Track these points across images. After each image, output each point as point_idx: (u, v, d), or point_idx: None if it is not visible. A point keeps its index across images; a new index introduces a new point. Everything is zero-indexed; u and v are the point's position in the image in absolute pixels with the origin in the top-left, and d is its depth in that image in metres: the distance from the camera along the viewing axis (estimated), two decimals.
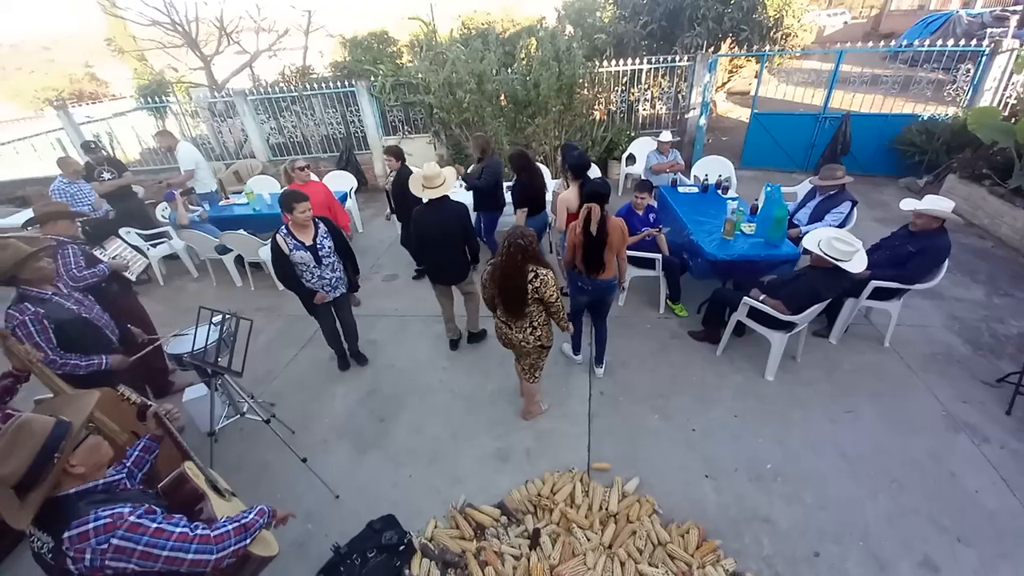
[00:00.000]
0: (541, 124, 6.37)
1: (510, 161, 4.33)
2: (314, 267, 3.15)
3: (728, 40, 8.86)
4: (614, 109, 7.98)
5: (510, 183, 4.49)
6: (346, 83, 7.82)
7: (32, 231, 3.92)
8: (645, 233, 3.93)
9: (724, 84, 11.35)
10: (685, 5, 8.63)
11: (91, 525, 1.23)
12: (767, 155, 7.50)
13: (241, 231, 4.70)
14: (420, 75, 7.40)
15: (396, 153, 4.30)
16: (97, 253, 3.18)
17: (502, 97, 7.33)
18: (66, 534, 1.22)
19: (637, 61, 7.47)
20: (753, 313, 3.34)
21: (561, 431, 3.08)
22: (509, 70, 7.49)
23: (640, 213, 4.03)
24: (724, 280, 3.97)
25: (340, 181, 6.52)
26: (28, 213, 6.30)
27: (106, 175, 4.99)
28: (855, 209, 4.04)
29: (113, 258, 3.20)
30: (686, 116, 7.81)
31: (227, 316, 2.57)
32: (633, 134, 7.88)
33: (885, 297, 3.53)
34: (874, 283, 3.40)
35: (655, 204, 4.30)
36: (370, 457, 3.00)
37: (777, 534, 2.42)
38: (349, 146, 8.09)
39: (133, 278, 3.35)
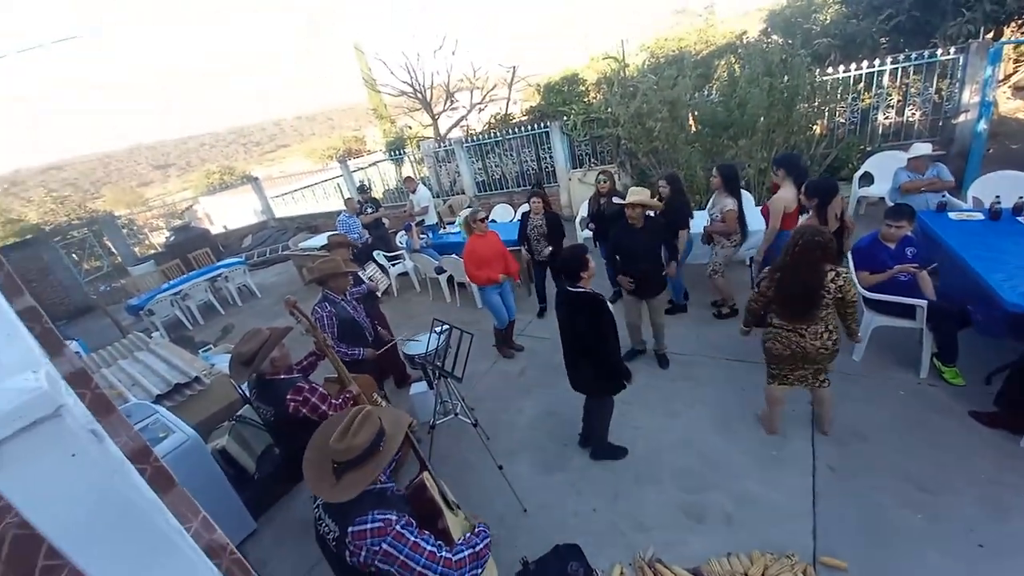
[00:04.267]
0: (745, 146, 5.79)
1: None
2: None
3: (1014, 23, 6.66)
4: (842, 121, 6.74)
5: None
6: (540, 124, 8.60)
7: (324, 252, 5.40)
8: (898, 270, 3.14)
9: (1008, 77, 8.53)
10: None
11: (368, 526, 1.42)
12: None
13: (454, 256, 5.54)
14: (609, 110, 7.63)
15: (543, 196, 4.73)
16: (360, 274, 4.18)
17: (691, 121, 6.97)
18: (350, 528, 1.43)
19: (876, 62, 6.20)
20: None
21: (772, 503, 2.61)
22: (706, 92, 7.09)
23: (891, 246, 3.24)
24: None
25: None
26: (319, 237, 8.74)
27: (368, 209, 6.60)
28: None
29: (369, 278, 4.16)
30: (953, 121, 6.06)
31: (451, 328, 3.02)
32: (868, 148, 6.53)
33: None
34: None
35: (912, 235, 3.39)
36: (554, 478, 3.07)
37: None
38: (539, 180, 8.81)
39: (379, 295, 4.28)
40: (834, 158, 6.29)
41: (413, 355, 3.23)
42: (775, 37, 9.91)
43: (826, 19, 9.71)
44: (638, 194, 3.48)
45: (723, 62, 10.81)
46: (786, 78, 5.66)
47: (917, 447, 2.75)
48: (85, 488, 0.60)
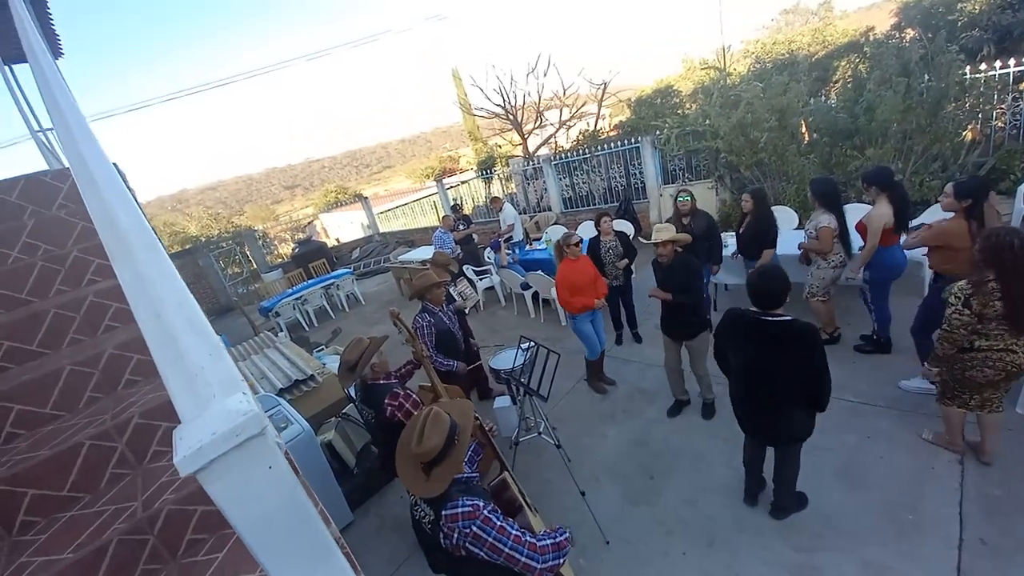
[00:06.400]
0: (874, 156, 5.10)
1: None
2: None
3: None
4: (1001, 125, 5.65)
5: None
6: (630, 140, 8.42)
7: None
8: None
9: None
10: None
11: (460, 510, 1.53)
12: None
13: (539, 272, 5.62)
14: (708, 121, 7.23)
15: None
16: (451, 289, 4.39)
17: (803, 130, 6.32)
18: (444, 512, 1.54)
19: None
20: None
21: (903, 574, 2.21)
22: (822, 97, 6.42)
23: None
24: None
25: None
26: (416, 251, 9.42)
27: (461, 226, 7.00)
28: None
29: (460, 294, 4.35)
30: None
31: (538, 346, 3.06)
32: None
33: None
34: None
35: None
36: (640, 512, 2.92)
37: None
38: (627, 196, 8.61)
39: (467, 311, 4.45)
40: (991, 168, 5.28)
41: (499, 370, 3.32)
42: (910, 32, 8.68)
43: (975, 9, 8.26)
44: (664, 231, 3.31)
45: (844, 62, 9.72)
46: (927, 77, 4.91)
47: None
48: (275, 495, 0.72)
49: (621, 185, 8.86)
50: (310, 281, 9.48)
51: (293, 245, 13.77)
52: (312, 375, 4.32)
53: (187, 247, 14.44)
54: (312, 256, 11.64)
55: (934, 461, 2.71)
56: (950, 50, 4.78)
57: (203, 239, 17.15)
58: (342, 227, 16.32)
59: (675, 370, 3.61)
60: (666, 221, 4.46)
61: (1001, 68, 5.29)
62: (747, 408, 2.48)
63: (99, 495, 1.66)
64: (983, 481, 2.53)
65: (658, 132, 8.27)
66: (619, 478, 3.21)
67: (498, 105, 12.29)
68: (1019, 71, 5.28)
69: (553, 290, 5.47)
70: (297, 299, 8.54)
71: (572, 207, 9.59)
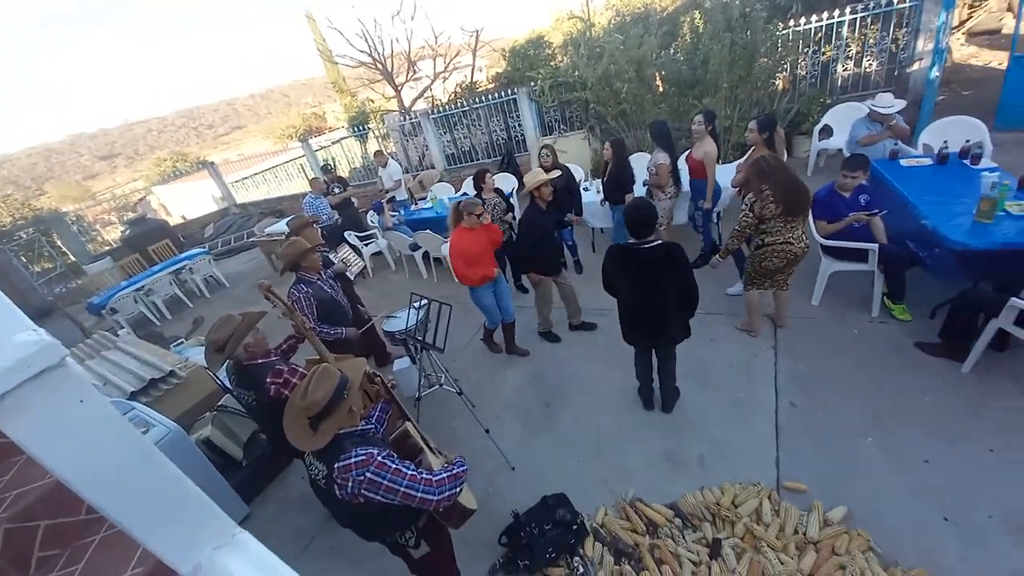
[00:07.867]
0: (709, 104, 5.83)
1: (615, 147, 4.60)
2: None
3: None
4: (803, 75, 6.83)
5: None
6: (507, 91, 8.39)
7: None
8: (852, 218, 3.30)
9: (962, 23, 8.79)
10: None
11: (352, 460, 1.54)
12: None
13: (427, 231, 5.48)
14: (577, 72, 7.49)
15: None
16: (332, 256, 4.09)
17: (658, 81, 6.94)
18: (336, 464, 1.55)
19: (836, 13, 6.26)
20: None
21: (739, 444, 2.80)
22: (672, 51, 7.04)
23: (847, 196, 3.39)
24: (976, 277, 3.07)
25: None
26: (286, 221, 8.45)
27: (336, 190, 6.41)
28: None
29: (341, 260, 4.07)
30: (908, 70, 6.22)
31: (430, 301, 3.04)
32: (828, 101, 6.66)
33: None
34: None
35: (866, 183, 3.55)
36: (540, 438, 3.20)
37: None
38: (509, 149, 8.67)
39: (351, 277, 4.21)
40: (796, 112, 6.41)
41: (393, 332, 3.24)
42: None
43: None
44: (539, 173, 3.68)
45: (688, 18, 10.69)
46: (748, 33, 5.67)
47: (872, 382, 2.98)
48: (100, 433, 0.63)
49: (502, 138, 8.87)
50: (153, 268, 8.02)
51: (122, 227, 11.39)
52: (172, 371, 3.76)
53: None
54: (150, 238, 9.79)
55: (757, 351, 3.41)
56: (755, 8, 5.56)
57: None
58: (187, 201, 13.86)
59: (550, 307, 4.08)
60: None
61: (805, 24, 6.33)
62: (638, 322, 2.85)
63: None
64: (790, 360, 3.28)
65: (533, 84, 8.35)
66: (521, 412, 3.46)
67: (363, 52, 11.16)
68: (818, 26, 6.37)
69: (445, 247, 5.40)
70: (138, 290, 7.20)
71: (456, 163, 9.39)
